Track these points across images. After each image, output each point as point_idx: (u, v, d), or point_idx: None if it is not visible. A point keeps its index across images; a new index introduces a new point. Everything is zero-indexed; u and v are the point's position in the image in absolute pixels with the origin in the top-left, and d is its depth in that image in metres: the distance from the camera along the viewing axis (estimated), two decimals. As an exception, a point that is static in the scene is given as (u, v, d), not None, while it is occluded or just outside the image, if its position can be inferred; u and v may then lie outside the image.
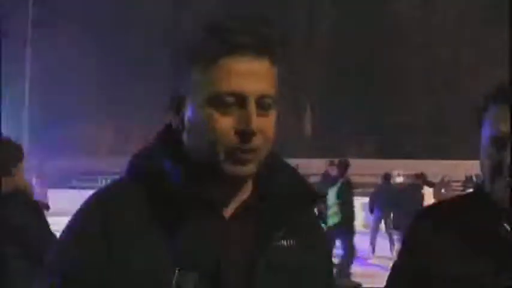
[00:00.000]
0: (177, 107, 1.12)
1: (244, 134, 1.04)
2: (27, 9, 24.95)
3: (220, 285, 1.06)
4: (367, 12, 28.00)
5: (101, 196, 1.12)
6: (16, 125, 23.38)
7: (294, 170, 1.22)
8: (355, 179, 17.85)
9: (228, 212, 1.12)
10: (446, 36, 27.26)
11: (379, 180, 14.91)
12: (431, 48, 27.64)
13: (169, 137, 1.14)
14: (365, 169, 21.71)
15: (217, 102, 1.05)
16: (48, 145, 23.48)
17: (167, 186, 1.08)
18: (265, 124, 1.07)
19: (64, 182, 20.85)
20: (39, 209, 3.10)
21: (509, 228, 1.37)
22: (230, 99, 1.04)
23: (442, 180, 15.09)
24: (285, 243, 1.14)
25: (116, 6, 27.23)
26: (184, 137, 1.11)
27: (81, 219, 1.10)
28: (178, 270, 1.03)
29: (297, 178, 1.21)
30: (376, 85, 27.07)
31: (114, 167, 17.60)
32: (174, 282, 1.03)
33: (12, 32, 22.40)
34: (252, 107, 1.04)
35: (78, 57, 25.70)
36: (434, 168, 18.68)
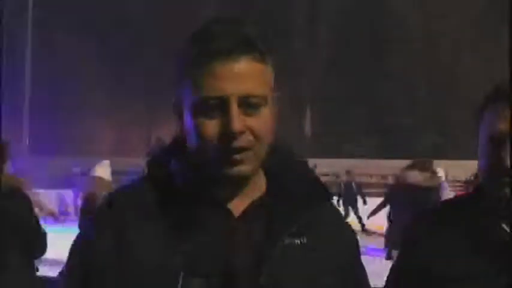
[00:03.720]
0: (179, 112, 1.14)
1: (227, 137, 1.04)
2: (28, 9, 24.96)
3: (230, 286, 1.05)
4: (367, 12, 27.99)
5: (113, 196, 1.15)
6: (16, 125, 23.37)
7: (306, 168, 1.22)
8: (355, 179, 17.88)
9: (237, 211, 1.12)
10: (446, 37, 27.25)
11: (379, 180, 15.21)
12: (431, 48, 27.62)
13: (179, 139, 1.16)
14: (365, 169, 21.71)
15: (202, 107, 1.06)
16: (48, 145, 23.48)
17: (176, 188, 1.10)
18: (254, 123, 1.06)
19: (64, 182, 20.82)
20: (31, 205, 3.27)
21: (508, 229, 1.37)
22: (213, 103, 1.05)
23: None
24: (297, 241, 1.13)
25: (117, 5, 27.21)
26: (187, 139, 1.13)
27: (96, 223, 1.12)
28: (184, 275, 1.03)
29: (308, 176, 1.20)
30: (377, 85, 27.06)
31: (114, 167, 17.58)
32: (179, 286, 1.03)
33: (12, 32, 22.38)
34: (233, 108, 1.04)
35: (79, 57, 25.69)
36: (435, 168, 18.64)
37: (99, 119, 26.57)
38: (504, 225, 1.37)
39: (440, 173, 12.69)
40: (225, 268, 1.06)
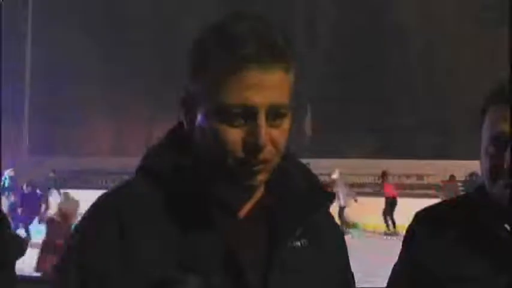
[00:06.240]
0: (188, 107, 1.09)
1: (254, 148, 1.01)
2: (27, 5, 24.97)
3: (233, 287, 1.04)
4: (367, 12, 28.00)
5: (114, 196, 1.09)
6: (16, 124, 23.36)
7: (307, 169, 1.20)
8: (355, 179, 17.91)
9: (242, 211, 1.11)
10: (446, 36, 27.26)
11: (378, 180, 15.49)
12: (432, 48, 27.63)
13: (181, 135, 1.12)
14: (365, 169, 21.71)
15: (226, 114, 1.00)
16: (48, 145, 23.47)
17: (179, 186, 1.06)
18: (277, 135, 1.04)
19: (64, 182, 20.81)
20: None
21: (509, 229, 1.37)
22: (239, 111, 1.00)
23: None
24: (299, 243, 1.12)
25: (117, 5, 27.22)
26: (196, 137, 1.08)
27: (94, 221, 1.07)
28: (188, 274, 1.02)
29: (310, 178, 1.19)
30: (376, 85, 27.06)
31: (114, 167, 17.59)
32: (179, 286, 1.02)
33: (12, 29, 22.36)
34: (262, 119, 1.00)
35: (79, 56, 25.70)
36: (435, 168, 18.66)
37: (99, 119, 26.54)
38: (505, 225, 1.37)
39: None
40: (229, 269, 1.04)
